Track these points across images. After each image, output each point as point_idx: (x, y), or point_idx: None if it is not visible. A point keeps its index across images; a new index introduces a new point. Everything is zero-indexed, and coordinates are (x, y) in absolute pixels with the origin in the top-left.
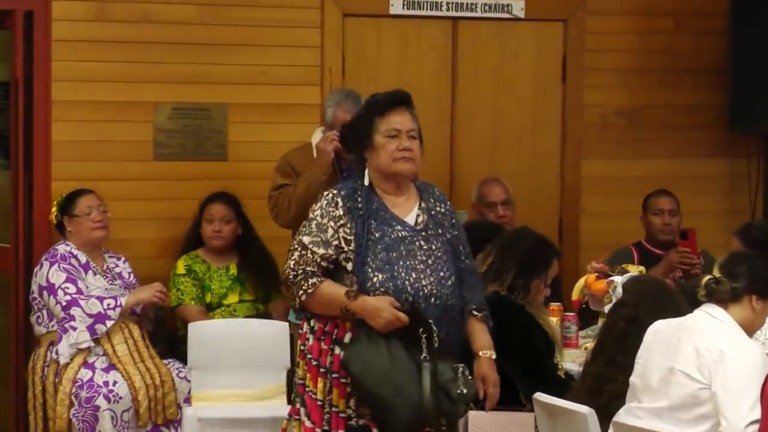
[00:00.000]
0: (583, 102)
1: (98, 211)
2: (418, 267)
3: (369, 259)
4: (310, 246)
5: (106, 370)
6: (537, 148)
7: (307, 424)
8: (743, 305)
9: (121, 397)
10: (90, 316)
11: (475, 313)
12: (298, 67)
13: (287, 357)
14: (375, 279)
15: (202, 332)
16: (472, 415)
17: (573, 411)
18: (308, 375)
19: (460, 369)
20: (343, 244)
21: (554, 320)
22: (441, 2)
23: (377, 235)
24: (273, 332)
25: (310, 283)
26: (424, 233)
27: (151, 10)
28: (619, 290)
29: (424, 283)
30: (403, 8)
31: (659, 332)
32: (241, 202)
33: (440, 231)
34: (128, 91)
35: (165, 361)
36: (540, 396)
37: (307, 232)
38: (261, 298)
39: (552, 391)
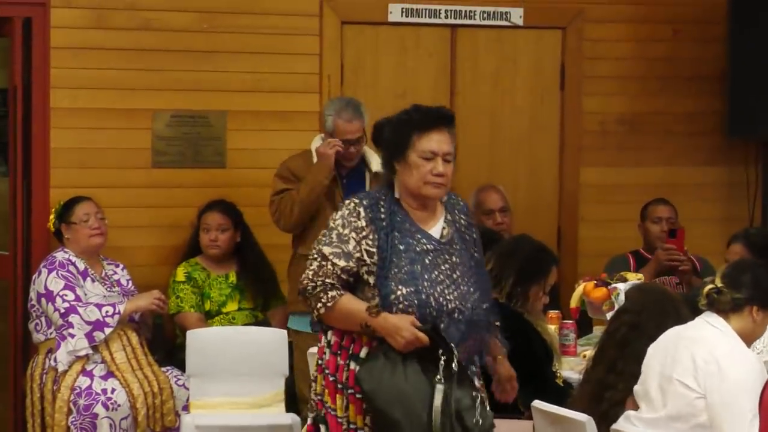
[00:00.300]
0: (581, 109)
1: (96, 219)
2: (442, 281)
3: (393, 272)
4: (331, 257)
5: (105, 377)
6: (535, 155)
7: None
8: (743, 315)
9: (119, 405)
10: (88, 323)
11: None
12: (297, 74)
13: (286, 365)
14: (399, 292)
15: (200, 340)
16: None
17: (572, 419)
18: (326, 391)
19: (479, 398)
20: (365, 257)
21: (553, 328)
22: (439, 10)
23: (401, 247)
24: (272, 340)
25: (329, 296)
26: (448, 247)
27: (150, 18)
28: (622, 297)
29: (449, 297)
30: (402, 16)
31: (659, 340)
32: (240, 209)
33: (464, 245)
34: (127, 98)
35: (163, 369)
36: (538, 403)
37: (327, 242)
38: (260, 306)
39: (550, 399)
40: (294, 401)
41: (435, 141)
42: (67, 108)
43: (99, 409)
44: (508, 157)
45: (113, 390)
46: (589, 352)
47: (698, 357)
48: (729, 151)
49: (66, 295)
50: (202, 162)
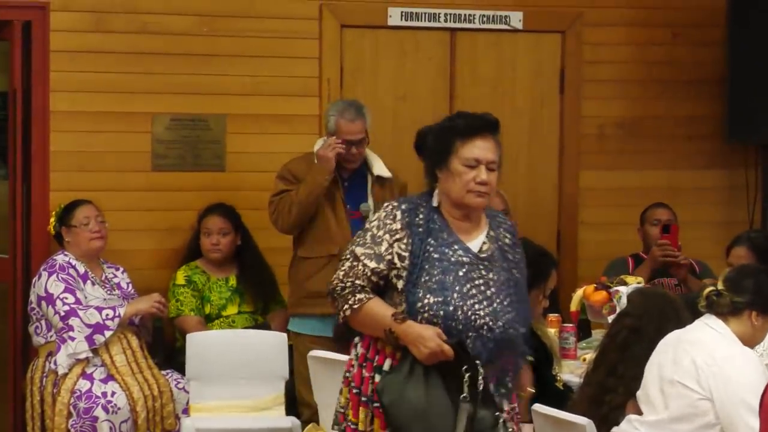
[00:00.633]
0: (581, 113)
1: (96, 222)
2: (475, 295)
3: (423, 279)
4: (362, 258)
5: (105, 380)
6: (535, 159)
7: None
8: (742, 320)
9: (119, 408)
10: (88, 326)
11: None
12: (297, 78)
13: (285, 368)
14: (426, 301)
15: (200, 343)
16: None
17: (572, 422)
18: (350, 404)
19: (502, 419)
20: (396, 260)
21: (553, 331)
22: (439, 14)
23: (435, 256)
24: (271, 343)
25: (356, 298)
26: (487, 262)
27: (149, 21)
28: (624, 300)
29: (479, 312)
30: (401, 19)
31: (660, 345)
32: (240, 213)
33: (505, 264)
34: (126, 101)
35: (163, 372)
36: (538, 407)
37: (360, 242)
38: (260, 309)
39: (551, 403)
40: (294, 404)
41: (479, 148)
42: (66, 111)
43: (99, 412)
44: (507, 160)
45: (113, 393)
46: (590, 356)
47: (699, 359)
48: (729, 155)
49: (66, 298)
50: (201, 165)
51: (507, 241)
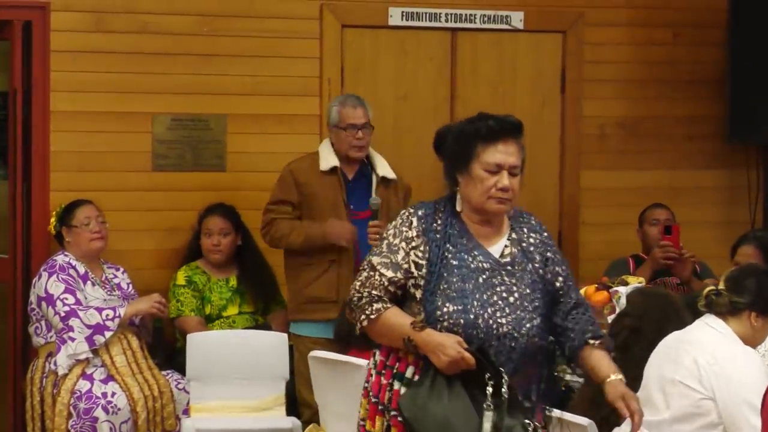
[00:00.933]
0: (582, 113)
1: (97, 222)
2: (496, 303)
3: (441, 287)
4: (379, 267)
5: (105, 381)
6: (536, 159)
7: None
8: (742, 320)
9: (119, 409)
10: (89, 327)
11: (591, 341)
12: (297, 77)
13: (286, 368)
14: (445, 309)
15: (200, 343)
16: None
17: (574, 423)
18: (368, 414)
19: (531, 427)
20: (412, 269)
21: None
22: (440, 13)
23: (454, 263)
24: (272, 343)
25: (374, 308)
26: (509, 267)
27: (149, 21)
28: (623, 301)
29: (501, 321)
30: (402, 19)
31: (659, 345)
32: (240, 213)
33: (529, 266)
34: (127, 101)
35: (163, 373)
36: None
37: (377, 252)
38: (260, 309)
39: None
40: (294, 405)
41: (501, 153)
42: (67, 111)
43: (99, 412)
44: None
45: (113, 394)
46: None
47: (701, 359)
48: (729, 155)
49: (66, 299)
50: (202, 165)
51: (532, 241)
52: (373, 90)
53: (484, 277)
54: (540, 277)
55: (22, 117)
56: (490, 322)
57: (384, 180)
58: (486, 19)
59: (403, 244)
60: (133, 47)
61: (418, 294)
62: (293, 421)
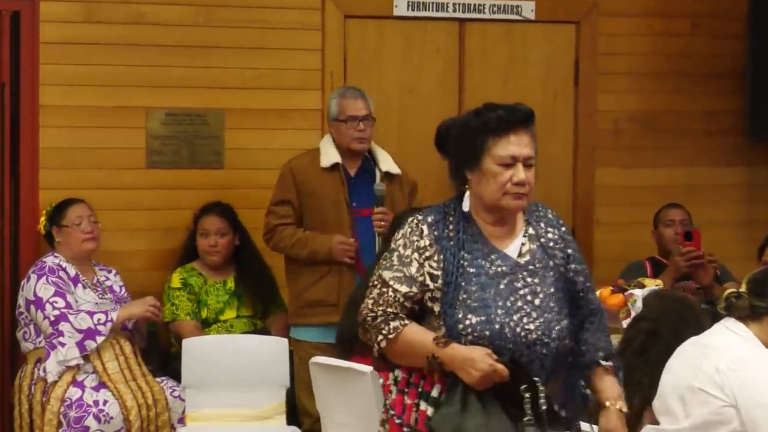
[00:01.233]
0: (596, 107)
1: (89, 222)
2: (521, 308)
3: (461, 298)
4: (392, 283)
5: (96, 388)
6: (548, 155)
7: None
8: (763, 324)
9: (111, 417)
10: (79, 331)
11: (602, 362)
12: (298, 70)
13: (286, 375)
14: (467, 322)
15: (196, 349)
16: None
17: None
18: None
19: None
20: (428, 281)
21: None
22: (447, 3)
23: (471, 270)
24: (272, 349)
25: (391, 326)
26: (530, 267)
27: (143, 12)
28: (639, 304)
29: (529, 327)
30: (408, 9)
31: (677, 351)
32: (238, 211)
33: (551, 263)
34: (119, 95)
35: (158, 379)
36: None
37: (387, 265)
38: (259, 313)
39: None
40: (295, 413)
41: (514, 144)
42: (56, 105)
43: (90, 421)
44: None
45: (105, 402)
46: None
47: (722, 365)
48: (749, 151)
49: (56, 302)
50: (198, 162)
51: (550, 236)
52: (378, 83)
53: (504, 282)
54: (561, 275)
55: (10, 112)
56: (518, 330)
57: (388, 175)
58: (496, 9)
59: (416, 255)
60: (125, 39)
61: (437, 308)
62: (294, 431)
